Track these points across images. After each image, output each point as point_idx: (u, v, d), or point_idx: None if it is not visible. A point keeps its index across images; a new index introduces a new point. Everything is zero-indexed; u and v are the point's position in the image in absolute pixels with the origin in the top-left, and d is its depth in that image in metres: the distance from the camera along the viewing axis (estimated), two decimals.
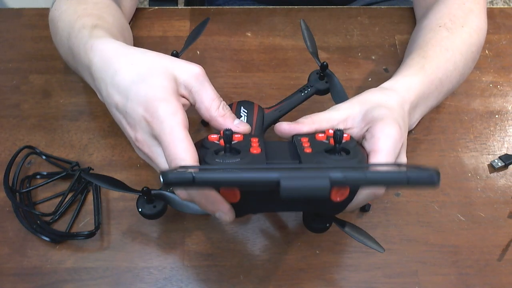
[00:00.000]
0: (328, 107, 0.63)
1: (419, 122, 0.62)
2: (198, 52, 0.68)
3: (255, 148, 0.41)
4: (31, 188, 0.56)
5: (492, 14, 0.72)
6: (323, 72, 0.57)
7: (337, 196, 0.39)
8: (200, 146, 0.43)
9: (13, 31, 0.71)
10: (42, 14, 0.72)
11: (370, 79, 0.66)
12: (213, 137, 0.43)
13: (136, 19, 0.70)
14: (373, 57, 0.68)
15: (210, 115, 0.45)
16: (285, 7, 0.74)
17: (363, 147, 0.45)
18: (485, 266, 0.53)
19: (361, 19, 0.72)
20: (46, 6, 0.72)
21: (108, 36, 0.49)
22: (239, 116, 0.51)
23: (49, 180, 0.56)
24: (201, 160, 0.40)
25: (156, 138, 0.42)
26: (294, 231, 0.55)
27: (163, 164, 0.42)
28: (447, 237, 0.55)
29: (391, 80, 0.52)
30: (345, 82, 0.56)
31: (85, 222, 0.55)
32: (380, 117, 0.44)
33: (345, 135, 0.43)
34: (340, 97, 0.55)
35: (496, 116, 0.64)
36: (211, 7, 0.73)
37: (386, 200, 0.57)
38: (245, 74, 0.67)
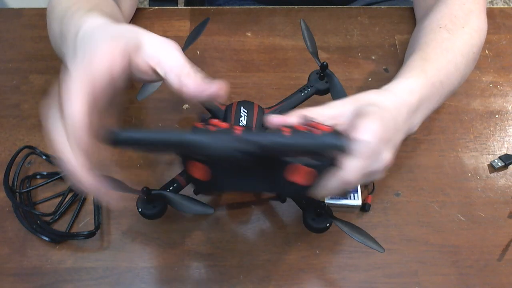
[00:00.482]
0: None
1: None
2: (198, 52, 0.68)
3: (238, 129, 0.40)
4: (31, 188, 0.56)
5: (492, 14, 0.72)
6: (323, 72, 0.57)
7: (294, 177, 0.40)
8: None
9: (13, 31, 0.71)
10: (42, 14, 0.72)
11: (370, 79, 0.66)
12: (200, 124, 0.43)
13: (136, 19, 0.70)
14: (373, 57, 0.68)
15: (180, 81, 0.41)
16: (285, 7, 0.74)
17: None
18: (485, 266, 0.53)
19: (361, 19, 0.72)
20: (46, 6, 0.72)
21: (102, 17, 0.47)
22: (239, 116, 0.50)
23: (49, 180, 0.56)
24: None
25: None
26: (294, 231, 0.55)
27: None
28: (447, 237, 0.55)
29: (392, 82, 0.52)
30: (345, 82, 0.56)
31: (85, 222, 0.55)
32: (367, 113, 0.44)
33: (325, 126, 0.43)
34: (340, 97, 0.55)
35: (496, 116, 0.64)
36: (211, 7, 0.73)
37: (386, 200, 0.57)
38: (245, 74, 0.67)
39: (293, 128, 0.43)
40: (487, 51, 0.69)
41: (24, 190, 0.55)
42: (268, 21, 0.72)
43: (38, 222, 0.54)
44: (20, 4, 0.77)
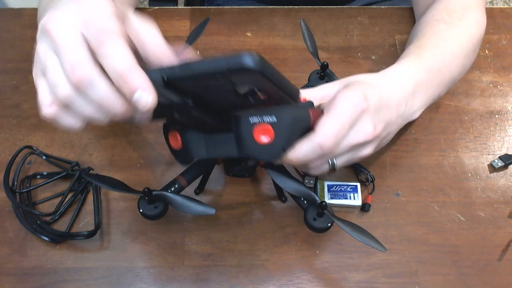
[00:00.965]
0: None
1: (419, 122, 0.62)
2: (198, 52, 0.68)
3: None
4: (31, 188, 0.56)
5: (492, 14, 0.72)
6: (324, 72, 0.57)
7: (260, 136, 0.40)
8: None
9: (13, 31, 0.71)
10: None
11: None
12: None
13: None
14: (373, 57, 0.68)
15: (159, 61, 0.39)
16: (285, 7, 0.74)
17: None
18: (485, 266, 0.53)
19: (361, 19, 0.72)
20: None
21: None
22: None
23: (49, 180, 0.56)
24: None
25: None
26: (294, 231, 0.55)
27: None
28: (447, 237, 0.55)
29: (387, 68, 0.52)
30: None
31: (85, 222, 0.55)
32: (349, 86, 0.44)
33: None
34: None
35: (496, 116, 0.64)
36: (211, 7, 0.73)
37: (386, 200, 0.57)
38: None
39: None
40: (487, 51, 0.69)
41: (24, 190, 0.55)
42: (268, 21, 0.72)
43: (38, 222, 0.54)
44: (20, 4, 0.77)
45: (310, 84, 0.57)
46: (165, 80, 0.35)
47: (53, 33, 0.35)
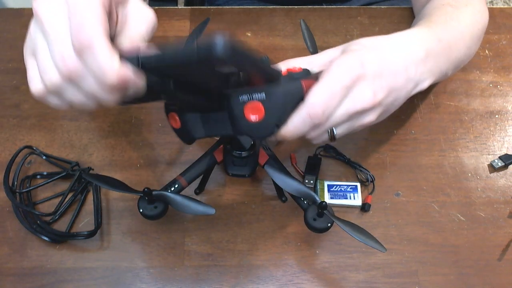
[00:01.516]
0: None
1: (419, 122, 0.62)
2: None
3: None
4: (31, 188, 0.56)
5: (492, 14, 0.72)
6: None
7: (250, 115, 0.40)
8: None
9: (13, 31, 0.71)
10: None
11: None
12: None
13: None
14: None
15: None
16: (285, 7, 0.74)
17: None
18: (485, 266, 0.53)
19: (361, 19, 0.72)
20: None
21: None
22: None
23: (49, 180, 0.56)
24: None
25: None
26: (294, 231, 0.55)
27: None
28: (447, 237, 0.55)
29: (396, 32, 0.50)
30: None
31: (85, 222, 0.55)
32: (347, 51, 0.43)
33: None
34: None
35: (496, 116, 0.64)
36: (211, 7, 0.73)
37: (386, 200, 0.57)
38: None
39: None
40: (487, 51, 0.69)
41: (24, 190, 0.55)
42: (268, 21, 0.72)
43: (38, 222, 0.54)
44: (20, 4, 0.77)
45: None
46: (141, 65, 0.35)
47: (41, 16, 0.35)
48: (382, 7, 0.74)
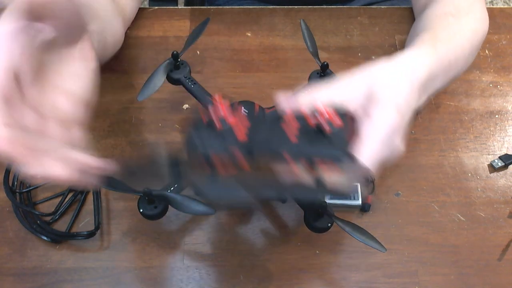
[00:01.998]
0: None
1: (419, 122, 0.62)
2: (198, 52, 0.68)
3: (242, 134, 0.41)
4: (31, 188, 0.56)
5: (492, 14, 0.72)
6: (324, 72, 0.57)
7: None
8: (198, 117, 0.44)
9: None
10: None
11: None
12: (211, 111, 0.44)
13: (136, 19, 0.70)
14: (373, 57, 0.68)
15: None
16: (285, 7, 0.74)
17: (355, 127, 0.44)
18: (485, 266, 0.53)
19: (361, 19, 0.72)
20: None
21: None
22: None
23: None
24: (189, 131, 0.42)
25: None
26: (294, 231, 0.55)
27: None
28: (447, 237, 0.55)
29: (404, 52, 0.50)
30: None
31: (85, 222, 0.55)
32: (381, 98, 0.43)
33: (336, 117, 0.42)
34: None
35: (496, 116, 0.64)
36: (211, 7, 0.73)
37: (386, 200, 0.57)
38: (245, 74, 0.67)
39: (301, 129, 0.43)
40: (487, 51, 0.69)
41: (24, 190, 0.55)
42: (268, 21, 0.72)
43: (38, 222, 0.54)
44: None
45: (311, 84, 0.57)
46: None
47: None
48: (382, 7, 0.74)
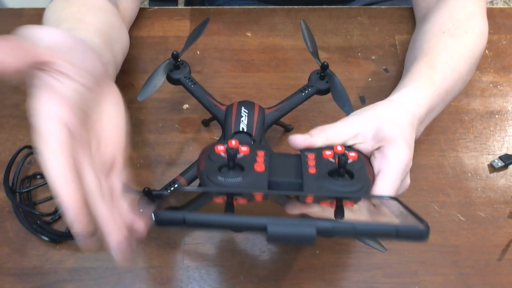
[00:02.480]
0: (329, 107, 0.63)
1: None
2: (198, 52, 0.68)
3: (260, 164, 0.41)
4: (31, 188, 0.56)
5: (492, 14, 0.72)
6: (324, 72, 0.56)
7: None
8: (207, 157, 0.43)
9: (13, 31, 0.70)
10: (42, 14, 0.72)
11: (370, 79, 0.66)
12: (220, 148, 0.43)
13: (136, 19, 0.70)
14: (373, 57, 0.68)
15: None
16: (285, 7, 0.74)
17: (370, 165, 0.45)
18: (485, 266, 0.53)
19: (361, 19, 0.72)
20: (46, 6, 0.72)
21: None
22: (240, 116, 0.50)
23: None
24: (205, 175, 0.41)
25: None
26: None
27: None
28: (447, 237, 0.55)
29: (401, 92, 0.52)
30: (345, 82, 0.56)
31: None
32: (393, 137, 0.45)
33: (352, 154, 0.43)
34: (340, 97, 0.55)
35: (496, 116, 0.64)
36: (211, 7, 0.73)
37: None
38: (245, 74, 0.67)
39: (317, 154, 0.43)
40: (487, 51, 0.69)
41: (24, 190, 0.55)
42: (268, 21, 0.72)
43: (38, 222, 0.54)
44: (20, 4, 0.77)
45: (310, 84, 0.57)
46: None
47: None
48: (382, 7, 0.74)
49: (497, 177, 0.59)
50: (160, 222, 0.31)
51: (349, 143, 0.46)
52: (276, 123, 0.56)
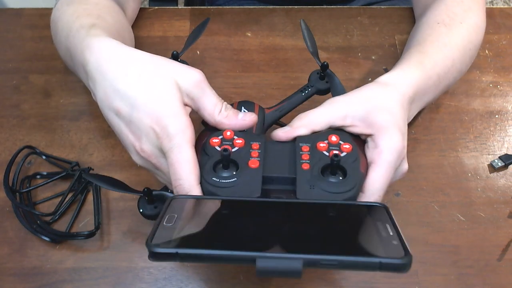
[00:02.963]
0: None
1: (419, 122, 0.62)
2: (198, 52, 0.68)
3: (254, 160, 0.42)
4: (31, 188, 0.56)
5: (492, 14, 0.72)
6: (324, 72, 0.56)
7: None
8: (202, 151, 0.43)
9: (13, 31, 0.71)
10: (42, 14, 0.72)
11: (370, 79, 0.66)
12: (215, 141, 0.43)
13: (136, 19, 0.70)
14: (373, 57, 0.68)
15: (214, 120, 0.45)
16: (285, 7, 0.74)
17: (364, 155, 0.45)
18: (485, 266, 0.53)
19: (361, 19, 0.72)
20: (46, 6, 0.72)
21: (105, 35, 0.48)
22: None
23: (49, 180, 0.56)
24: (201, 168, 0.42)
25: (163, 152, 0.42)
26: None
27: (169, 174, 0.43)
28: (447, 237, 0.55)
29: (390, 74, 0.51)
30: (345, 82, 0.56)
31: (85, 222, 0.55)
32: (384, 125, 0.44)
33: (346, 146, 0.43)
34: None
35: (496, 116, 0.64)
36: (211, 7, 0.73)
37: (386, 200, 0.57)
38: (245, 74, 0.67)
39: (312, 146, 0.43)
40: (487, 51, 0.69)
41: (24, 190, 0.55)
42: (268, 21, 0.72)
43: (38, 222, 0.54)
44: (20, 4, 0.77)
45: (310, 84, 0.57)
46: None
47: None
48: (382, 7, 0.74)
49: (497, 177, 0.59)
50: (154, 257, 0.33)
51: (337, 124, 0.46)
52: (276, 123, 0.56)
